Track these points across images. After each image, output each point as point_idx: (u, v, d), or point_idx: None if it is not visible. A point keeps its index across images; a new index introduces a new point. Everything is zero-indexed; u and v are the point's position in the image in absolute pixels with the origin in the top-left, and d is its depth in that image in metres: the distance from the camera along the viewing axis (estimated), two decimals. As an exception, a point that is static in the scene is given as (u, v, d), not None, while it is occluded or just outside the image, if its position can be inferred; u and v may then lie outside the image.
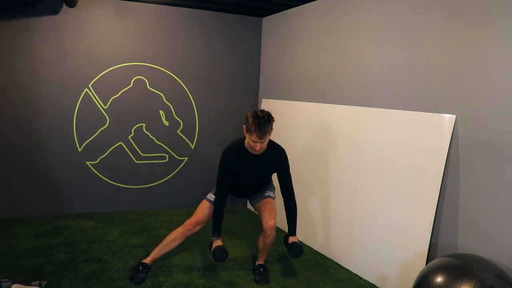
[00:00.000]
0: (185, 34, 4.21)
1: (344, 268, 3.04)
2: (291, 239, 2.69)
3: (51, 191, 3.89)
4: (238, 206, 4.40)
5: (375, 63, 2.97)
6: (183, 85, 4.25)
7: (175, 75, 4.21)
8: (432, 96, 2.52)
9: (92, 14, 3.81)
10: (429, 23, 2.54)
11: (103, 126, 3.99)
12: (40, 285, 2.45)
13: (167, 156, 4.28)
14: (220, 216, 2.65)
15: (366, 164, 2.94)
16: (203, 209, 2.75)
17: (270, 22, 4.39)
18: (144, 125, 4.14)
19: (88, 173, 4.00)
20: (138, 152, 4.16)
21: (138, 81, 4.06)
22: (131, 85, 4.04)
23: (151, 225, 3.77)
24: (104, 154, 4.03)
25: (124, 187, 4.16)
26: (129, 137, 4.10)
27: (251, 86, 4.57)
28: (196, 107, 4.34)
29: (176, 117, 4.25)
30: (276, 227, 3.67)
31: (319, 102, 3.54)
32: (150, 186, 4.27)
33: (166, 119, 4.21)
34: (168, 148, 4.27)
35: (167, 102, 4.19)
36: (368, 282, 2.82)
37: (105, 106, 3.97)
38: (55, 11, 3.68)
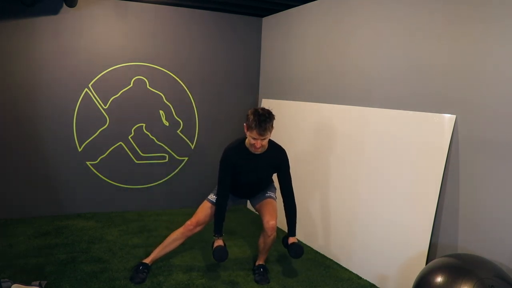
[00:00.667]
0: (185, 34, 4.21)
1: (344, 268, 3.04)
2: (291, 240, 2.69)
3: (51, 191, 3.89)
4: (239, 206, 4.40)
5: (375, 63, 2.97)
6: (183, 85, 4.25)
7: (175, 75, 4.21)
8: (432, 96, 2.52)
9: (92, 14, 3.81)
10: (429, 23, 2.54)
11: (103, 126, 3.99)
12: (40, 285, 2.45)
13: (167, 156, 4.28)
14: (222, 216, 2.65)
15: (366, 164, 2.94)
16: (204, 210, 2.75)
17: (270, 22, 4.39)
18: (144, 125, 4.14)
19: (88, 173, 4.00)
20: (138, 152, 4.16)
21: (138, 81, 4.06)
22: (131, 85, 4.04)
23: (151, 225, 3.77)
24: (104, 154, 4.03)
25: (124, 187, 4.16)
26: (129, 137, 4.10)
27: (251, 86, 4.57)
28: (196, 107, 4.33)
29: (176, 117, 4.25)
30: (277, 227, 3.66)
31: (319, 102, 3.54)
32: (150, 186, 4.27)
33: (166, 119, 4.21)
34: (168, 148, 4.27)
35: (167, 102, 4.19)
36: (368, 282, 2.82)
37: (105, 106, 3.97)
38: (55, 11, 3.68)
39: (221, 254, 2.56)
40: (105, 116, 3.97)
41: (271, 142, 2.63)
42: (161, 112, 4.19)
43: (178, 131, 4.29)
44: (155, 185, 4.29)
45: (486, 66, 2.22)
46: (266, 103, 4.29)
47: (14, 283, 2.38)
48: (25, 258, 2.92)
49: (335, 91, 3.38)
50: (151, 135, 4.18)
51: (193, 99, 4.30)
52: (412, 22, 2.67)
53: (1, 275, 2.60)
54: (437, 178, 2.41)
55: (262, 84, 4.57)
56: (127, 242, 3.34)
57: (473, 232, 2.29)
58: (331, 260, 3.17)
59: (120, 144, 4.08)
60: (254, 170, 2.65)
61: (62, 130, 3.84)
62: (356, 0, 3.16)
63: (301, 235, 3.57)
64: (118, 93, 3.99)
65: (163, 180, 4.32)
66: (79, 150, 3.94)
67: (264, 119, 2.40)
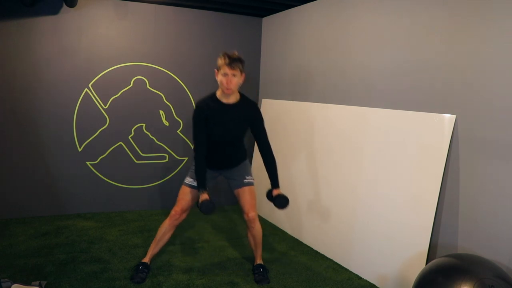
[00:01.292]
0: (185, 34, 4.21)
1: (344, 268, 3.04)
2: (275, 192, 2.69)
3: (51, 191, 3.89)
4: (236, 205, 4.39)
5: (375, 63, 2.97)
6: (183, 85, 4.25)
7: (175, 75, 4.21)
8: (432, 96, 2.52)
9: (92, 14, 3.81)
10: (429, 23, 2.54)
11: (103, 126, 3.99)
12: (40, 285, 2.45)
13: (167, 156, 4.28)
14: (203, 172, 2.62)
15: (366, 164, 2.94)
16: (185, 195, 2.74)
17: (270, 22, 4.39)
18: (144, 125, 4.14)
19: (88, 173, 4.00)
20: (138, 152, 4.16)
21: (138, 81, 4.06)
22: (131, 85, 4.04)
23: (151, 225, 3.77)
24: (104, 154, 4.03)
25: (124, 187, 4.16)
26: (129, 137, 4.10)
27: (251, 86, 4.57)
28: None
29: (176, 117, 4.25)
30: (269, 222, 3.68)
31: (319, 102, 3.54)
32: (150, 186, 4.27)
33: (166, 119, 4.21)
34: (168, 148, 4.27)
35: (167, 102, 4.19)
36: (368, 282, 2.82)
37: (105, 106, 3.97)
38: (55, 11, 3.68)
39: (208, 206, 2.51)
40: (105, 116, 3.97)
41: (243, 96, 2.69)
42: (161, 112, 4.19)
43: (178, 131, 4.29)
44: (155, 185, 4.29)
45: (486, 66, 2.22)
46: (266, 103, 4.29)
47: (14, 283, 2.38)
48: (25, 258, 2.92)
49: (335, 91, 3.38)
50: (151, 135, 4.19)
51: (193, 99, 4.30)
52: (412, 22, 2.67)
53: (1, 275, 2.59)
54: (437, 178, 2.41)
55: (262, 84, 4.57)
56: (127, 242, 3.34)
57: (473, 232, 2.29)
58: (331, 260, 3.17)
59: (120, 144, 4.08)
60: (227, 123, 2.62)
61: (62, 130, 3.84)
62: (356, 1, 3.16)
63: (301, 234, 3.57)
64: (118, 93, 3.99)
65: (163, 180, 4.32)
66: (79, 150, 3.94)
67: (233, 56, 2.53)
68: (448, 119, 2.40)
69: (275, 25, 4.29)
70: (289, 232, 3.73)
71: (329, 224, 3.26)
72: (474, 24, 2.27)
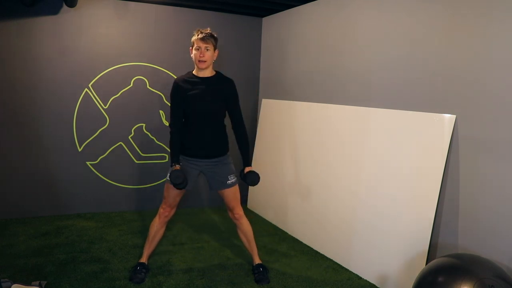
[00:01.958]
0: (185, 34, 4.19)
1: (344, 268, 3.04)
2: (247, 169, 2.73)
3: (51, 191, 3.89)
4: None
5: (375, 63, 2.97)
6: (183, 85, 4.25)
7: (175, 75, 4.21)
8: (432, 96, 2.52)
9: (92, 14, 3.81)
10: (428, 23, 2.54)
11: (103, 126, 3.99)
12: (40, 285, 2.45)
13: (167, 156, 4.28)
14: (177, 147, 2.71)
15: (366, 163, 2.94)
16: (170, 192, 2.76)
17: (270, 22, 4.39)
18: (144, 125, 4.14)
19: (88, 173, 4.00)
20: (138, 152, 4.16)
21: (138, 81, 4.06)
22: (131, 85, 4.04)
23: (151, 225, 3.77)
24: (104, 154, 4.03)
25: (124, 187, 4.16)
26: (129, 137, 4.10)
27: (251, 86, 4.57)
28: (196, 107, 4.33)
29: (176, 117, 4.25)
30: (269, 222, 3.67)
31: (319, 102, 3.54)
32: (150, 186, 4.27)
33: (166, 119, 4.21)
34: (168, 148, 4.27)
35: (167, 102, 4.19)
36: (368, 282, 2.82)
37: (105, 106, 3.97)
38: (55, 11, 3.68)
39: (177, 175, 2.53)
40: (105, 116, 3.98)
41: (219, 72, 2.74)
42: (161, 112, 4.20)
43: (178, 131, 4.29)
44: (155, 185, 4.28)
45: (486, 66, 2.22)
46: (266, 103, 4.29)
47: (14, 283, 2.38)
48: (25, 258, 2.92)
49: (335, 91, 3.38)
50: (151, 135, 4.19)
51: (193, 99, 4.30)
52: (412, 22, 2.67)
53: (1, 275, 2.60)
54: (437, 178, 2.41)
55: (262, 84, 4.57)
56: (127, 242, 3.34)
57: (473, 232, 2.29)
58: (331, 260, 3.17)
59: (120, 144, 4.08)
60: (203, 94, 2.62)
61: (62, 130, 3.84)
62: (356, 1, 3.16)
63: (301, 234, 3.57)
64: (118, 93, 3.99)
65: (163, 180, 4.32)
66: (79, 150, 3.94)
67: (206, 31, 2.63)
68: (448, 119, 2.40)
69: (275, 25, 4.29)
70: (289, 232, 3.73)
71: (329, 224, 3.26)
72: (474, 24, 2.27)
